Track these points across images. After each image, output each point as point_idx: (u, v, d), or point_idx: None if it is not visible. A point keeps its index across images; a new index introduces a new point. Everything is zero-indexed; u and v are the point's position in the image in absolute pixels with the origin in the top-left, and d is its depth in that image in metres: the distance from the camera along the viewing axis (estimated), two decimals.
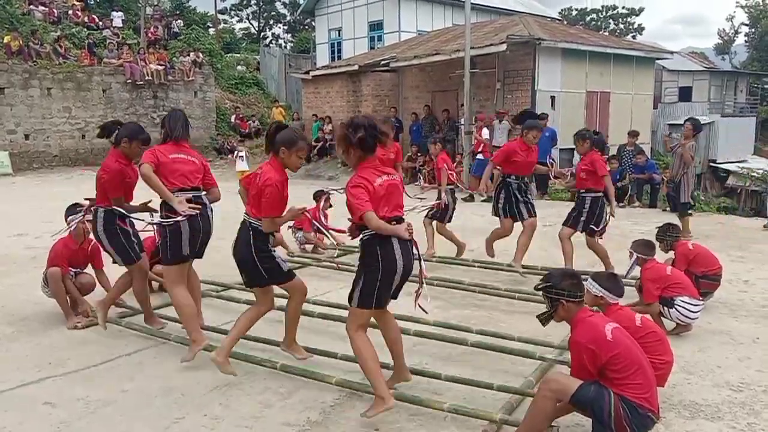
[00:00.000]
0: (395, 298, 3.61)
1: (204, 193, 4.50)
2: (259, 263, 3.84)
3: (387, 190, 3.39)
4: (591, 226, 6.36)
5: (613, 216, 6.52)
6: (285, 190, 3.78)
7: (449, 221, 7.50)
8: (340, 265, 5.98)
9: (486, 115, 14.77)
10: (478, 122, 14.54)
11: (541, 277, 3.50)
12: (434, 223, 7.43)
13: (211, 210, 4.53)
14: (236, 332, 4.01)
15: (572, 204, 6.87)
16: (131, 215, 4.70)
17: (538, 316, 3.39)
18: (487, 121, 14.32)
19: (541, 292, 3.32)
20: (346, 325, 3.56)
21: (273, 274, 3.94)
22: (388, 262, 3.37)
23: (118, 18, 24.16)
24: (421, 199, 6.56)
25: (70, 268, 5.16)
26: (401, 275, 3.45)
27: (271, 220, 3.76)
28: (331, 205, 7.50)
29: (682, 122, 9.38)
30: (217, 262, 6.19)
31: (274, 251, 3.97)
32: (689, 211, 8.96)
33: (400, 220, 3.46)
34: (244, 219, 3.91)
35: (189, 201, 4.23)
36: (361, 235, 3.45)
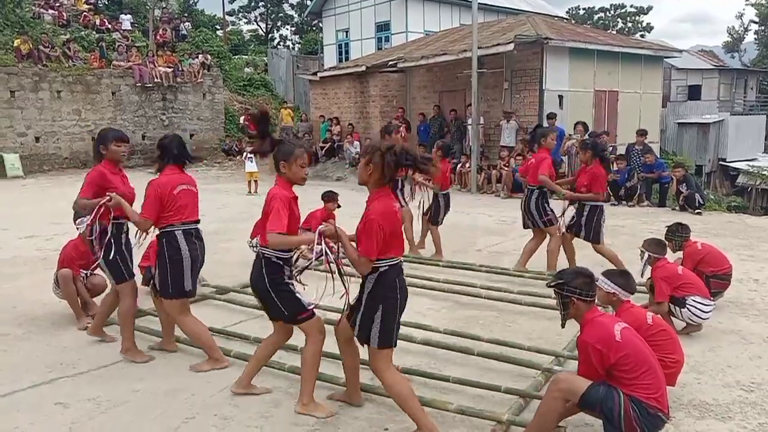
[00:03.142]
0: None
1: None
2: (274, 295, 3.52)
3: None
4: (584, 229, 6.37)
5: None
6: (295, 208, 3.56)
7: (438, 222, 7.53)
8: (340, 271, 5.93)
9: (398, 115, 16.31)
10: (394, 122, 15.22)
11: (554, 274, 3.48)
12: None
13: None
14: (255, 362, 3.82)
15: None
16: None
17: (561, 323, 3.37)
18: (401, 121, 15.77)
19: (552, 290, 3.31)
20: (373, 367, 3.33)
21: (292, 308, 3.55)
22: (402, 292, 3.29)
23: (126, 21, 24.31)
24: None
25: (81, 270, 5.20)
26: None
27: (278, 236, 3.36)
28: (339, 206, 7.51)
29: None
30: (225, 261, 6.23)
31: (292, 284, 3.59)
32: None
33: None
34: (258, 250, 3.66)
35: (191, 236, 4.17)
36: (377, 267, 3.23)
